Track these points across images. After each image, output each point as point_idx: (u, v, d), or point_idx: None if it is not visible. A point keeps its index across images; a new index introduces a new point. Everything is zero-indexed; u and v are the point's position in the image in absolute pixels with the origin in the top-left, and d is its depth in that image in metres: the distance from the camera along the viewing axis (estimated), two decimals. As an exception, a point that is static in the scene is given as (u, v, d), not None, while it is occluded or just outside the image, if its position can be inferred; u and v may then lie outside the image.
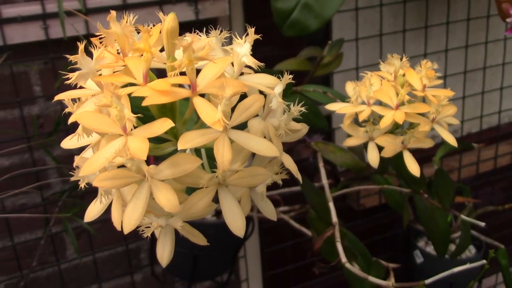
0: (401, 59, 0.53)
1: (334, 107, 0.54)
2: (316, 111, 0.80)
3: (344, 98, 0.64)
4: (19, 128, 1.00)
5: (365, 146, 0.54)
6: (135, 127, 0.30)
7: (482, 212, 1.26)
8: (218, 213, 1.00)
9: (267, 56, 1.14)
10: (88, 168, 0.29)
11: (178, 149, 0.29)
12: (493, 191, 1.58)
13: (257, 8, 1.04)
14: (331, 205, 0.72)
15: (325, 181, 0.74)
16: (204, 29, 0.35)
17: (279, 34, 0.83)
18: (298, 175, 0.36)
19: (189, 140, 0.29)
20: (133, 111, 0.30)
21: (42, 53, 0.97)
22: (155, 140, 0.35)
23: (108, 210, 0.35)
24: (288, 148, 0.84)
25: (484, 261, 0.65)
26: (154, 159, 0.75)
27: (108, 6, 0.95)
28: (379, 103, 0.52)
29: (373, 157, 0.51)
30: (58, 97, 0.31)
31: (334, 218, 0.71)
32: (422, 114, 0.52)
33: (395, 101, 0.49)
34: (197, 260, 1.01)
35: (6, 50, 0.92)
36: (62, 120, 0.98)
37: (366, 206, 1.38)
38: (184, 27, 0.35)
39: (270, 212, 0.37)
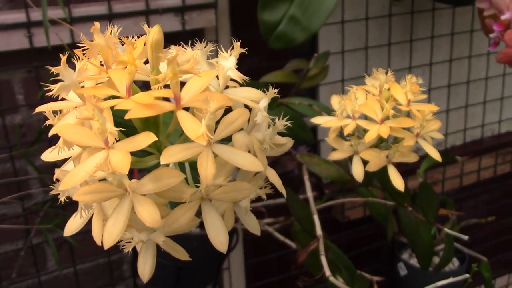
0: (386, 73, 0.53)
1: (320, 120, 0.54)
2: (302, 123, 0.80)
3: (329, 111, 0.64)
4: (1, 137, 0.98)
5: (350, 159, 0.54)
6: (117, 141, 0.29)
7: (465, 224, 1.27)
8: (202, 224, 0.99)
9: (254, 68, 1.14)
10: (69, 182, 0.28)
11: (161, 163, 0.29)
12: (476, 203, 1.59)
13: (244, 20, 1.04)
14: (316, 218, 0.72)
15: (310, 193, 0.74)
16: (190, 41, 0.35)
17: (265, 46, 0.83)
18: (282, 190, 0.36)
19: (172, 154, 0.29)
20: (116, 124, 0.29)
21: (26, 61, 0.96)
22: (138, 153, 0.34)
23: (90, 221, 0.34)
24: (273, 160, 0.84)
25: (467, 275, 0.66)
26: (138, 172, 0.74)
27: (94, 15, 0.94)
28: (365, 117, 0.52)
29: (357, 171, 0.51)
30: (38, 109, 0.31)
31: (319, 231, 0.71)
32: (407, 129, 0.52)
33: (380, 115, 0.49)
34: (181, 272, 1.00)
35: (-12, 58, 0.91)
36: (44, 130, 0.96)
37: (350, 218, 1.38)
38: (170, 38, 0.35)
39: (253, 226, 0.37)
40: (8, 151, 0.98)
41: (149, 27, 0.32)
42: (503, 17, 0.85)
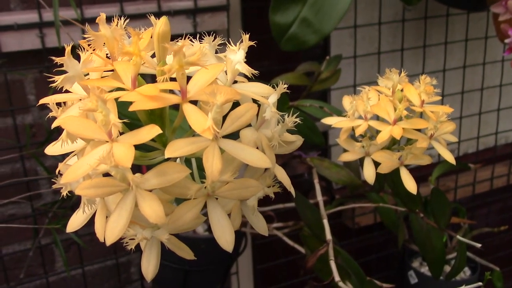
0: (399, 74, 0.52)
1: (331, 121, 0.53)
2: (312, 126, 0.79)
3: (340, 113, 0.63)
4: (12, 137, 0.98)
5: (361, 162, 0.53)
6: (121, 134, 0.29)
7: (477, 233, 1.25)
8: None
9: (265, 70, 1.13)
10: (71, 175, 0.27)
11: (165, 157, 0.28)
12: (489, 212, 1.57)
13: (256, 22, 1.03)
14: (325, 222, 0.71)
15: (319, 197, 0.73)
16: (198, 36, 0.34)
17: (277, 49, 0.83)
18: (291, 189, 0.35)
19: (177, 148, 0.28)
20: (122, 118, 0.28)
21: (38, 61, 0.96)
22: (144, 149, 0.33)
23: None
24: (283, 163, 0.83)
25: (480, 284, 0.64)
26: (146, 169, 0.73)
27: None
28: (376, 118, 0.51)
29: (369, 173, 0.50)
30: (42, 100, 0.30)
31: (328, 235, 0.70)
32: (420, 130, 0.51)
33: (392, 116, 0.48)
34: (188, 275, 0.99)
35: (1, 58, 0.91)
36: (54, 130, 0.96)
37: (361, 225, 1.37)
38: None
39: (261, 227, 0.36)
40: (18, 151, 0.98)
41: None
42: (519, 22, 0.84)
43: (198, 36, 0.34)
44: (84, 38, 0.31)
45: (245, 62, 0.34)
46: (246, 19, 1.10)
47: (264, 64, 1.17)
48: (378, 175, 0.86)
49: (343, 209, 1.33)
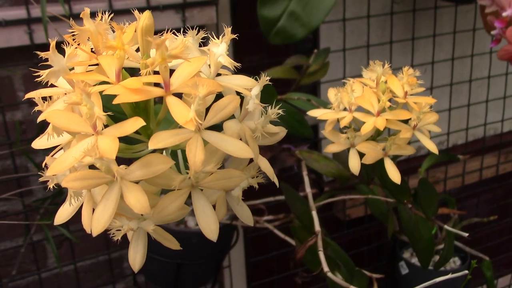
0: (389, 67, 0.53)
1: (316, 113, 0.53)
2: (301, 119, 0.80)
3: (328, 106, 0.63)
4: (1, 133, 0.98)
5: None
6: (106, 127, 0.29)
7: (467, 223, 1.26)
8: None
9: (254, 65, 1.14)
10: (56, 167, 0.28)
11: (149, 148, 0.28)
12: (478, 203, 1.58)
13: (245, 17, 1.04)
14: (314, 214, 0.72)
15: (308, 189, 0.74)
16: (184, 31, 0.35)
17: (267, 43, 0.83)
18: (274, 179, 0.35)
19: (161, 140, 0.28)
20: (110, 116, 0.29)
21: (27, 58, 0.96)
22: (130, 142, 0.34)
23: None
24: (272, 155, 0.84)
25: (467, 272, 0.65)
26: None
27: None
28: (362, 109, 0.51)
29: (354, 164, 0.51)
30: (28, 95, 0.31)
31: (317, 227, 0.70)
32: (405, 122, 0.52)
33: (376, 107, 0.49)
34: (180, 269, 0.99)
35: (-11, 54, 0.91)
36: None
37: (352, 217, 1.38)
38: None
39: (246, 217, 0.36)
40: (8, 147, 0.98)
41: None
42: (504, 14, 0.85)
43: (184, 30, 0.34)
44: (73, 35, 0.32)
45: (235, 56, 0.34)
46: (236, 14, 1.11)
47: (255, 58, 1.17)
48: (366, 167, 0.87)
49: (334, 202, 1.34)
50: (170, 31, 0.33)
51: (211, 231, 0.32)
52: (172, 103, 0.29)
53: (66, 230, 0.95)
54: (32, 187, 1.04)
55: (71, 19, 0.30)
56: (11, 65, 0.97)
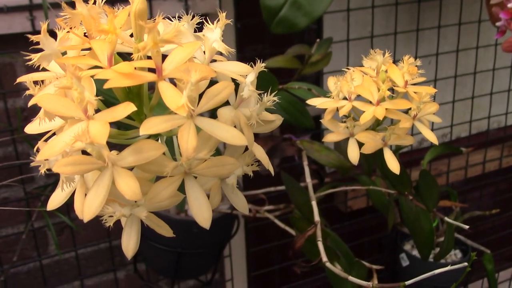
0: (392, 57, 0.52)
1: (315, 102, 0.53)
2: (302, 109, 0.79)
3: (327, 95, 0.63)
4: (3, 120, 0.98)
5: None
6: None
7: (469, 216, 1.25)
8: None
9: (257, 54, 1.13)
10: (47, 152, 0.28)
11: (140, 134, 0.28)
12: (481, 196, 1.58)
13: (248, 6, 1.03)
14: (314, 204, 0.71)
15: (308, 179, 0.73)
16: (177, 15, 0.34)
17: (269, 33, 0.82)
18: (269, 167, 0.35)
19: (152, 125, 0.28)
20: (104, 102, 0.29)
21: (28, 44, 0.96)
22: (124, 128, 0.34)
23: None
24: (273, 145, 0.83)
25: (466, 264, 0.65)
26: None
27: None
28: (362, 99, 0.51)
29: (353, 153, 0.51)
30: (20, 79, 0.30)
31: (317, 217, 0.70)
32: (405, 112, 0.51)
33: (376, 96, 0.48)
34: (181, 258, 1.00)
35: (-10, 41, 0.91)
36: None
37: (353, 208, 1.38)
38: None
39: (241, 205, 0.36)
40: (10, 134, 0.99)
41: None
42: (510, 5, 0.83)
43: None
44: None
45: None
46: (239, 3, 1.10)
47: (258, 48, 1.16)
48: (368, 158, 0.86)
49: (336, 193, 1.34)
50: (159, 15, 0.32)
51: (204, 219, 0.31)
52: (164, 88, 0.28)
53: (67, 217, 0.95)
54: (34, 174, 1.04)
55: (63, 2, 0.30)
56: (13, 52, 0.96)
